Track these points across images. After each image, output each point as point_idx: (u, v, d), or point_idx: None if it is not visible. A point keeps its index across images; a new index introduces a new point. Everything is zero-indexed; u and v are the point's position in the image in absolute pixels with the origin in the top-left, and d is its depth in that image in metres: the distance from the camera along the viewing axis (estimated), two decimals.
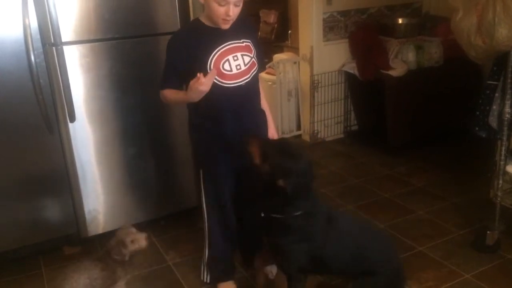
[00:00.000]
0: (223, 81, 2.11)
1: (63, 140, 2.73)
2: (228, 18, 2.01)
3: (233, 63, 2.11)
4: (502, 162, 2.61)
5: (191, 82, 1.99)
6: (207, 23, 2.11)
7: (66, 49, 2.57)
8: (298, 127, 4.71)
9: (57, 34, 2.50)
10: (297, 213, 1.98)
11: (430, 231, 2.97)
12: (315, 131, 4.55)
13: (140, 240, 2.19)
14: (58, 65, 2.56)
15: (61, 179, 2.79)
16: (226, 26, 2.06)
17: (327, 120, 4.58)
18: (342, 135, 4.67)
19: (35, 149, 2.69)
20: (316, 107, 4.49)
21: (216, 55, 2.08)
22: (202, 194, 2.37)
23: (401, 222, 3.09)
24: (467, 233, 2.91)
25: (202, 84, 1.95)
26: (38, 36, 2.55)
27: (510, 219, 2.80)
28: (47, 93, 2.63)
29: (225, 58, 2.09)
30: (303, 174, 1.95)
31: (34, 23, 2.52)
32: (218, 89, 2.09)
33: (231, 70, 2.11)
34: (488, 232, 2.69)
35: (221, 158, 2.23)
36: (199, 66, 2.06)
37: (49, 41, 2.53)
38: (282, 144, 2.07)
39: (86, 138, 2.76)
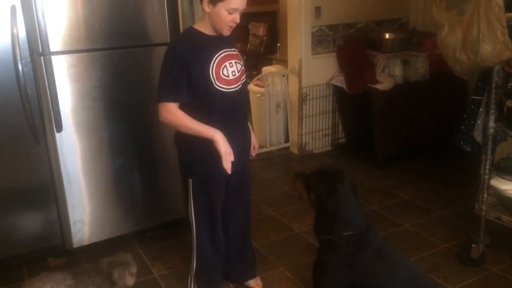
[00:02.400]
0: (222, 86, 2.14)
1: (49, 150, 2.71)
2: (233, 25, 2.10)
3: (230, 69, 2.17)
4: (486, 176, 2.65)
5: (229, 151, 2.11)
6: (204, 31, 2.14)
7: (54, 59, 2.56)
8: (286, 139, 4.73)
9: (45, 44, 2.50)
10: (346, 233, 1.99)
11: (416, 243, 2.99)
12: (303, 144, 4.58)
13: (130, 279, 2.16)
14: (46, 74, 2.55)
15: (47, 189, 2.77)
16: (228, 33, 2.13)
17: (315, 132, 4.61)
18: (329, 148, 4.70)
19: (21, 158, 2.67)
20: (304, 120, 4.52)
21: (216, 62, 2.13)
22: (191, 204, 2.35)
23: (388, 235, 3.10)
24: (453, 246, 2.93)
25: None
26: (26, 45, 2.55)
27: (494, 232, 2.83)
28: (34, 103, 2.62)
29: (223, 65, 2.15)
30: (346, 194, 2.01)
31: (22, 32, 2.52)
32: (217, 94, 2.13)
33: (228, 76, 2.16)
34: (473, 245, 2.71)
35: (213, 167, 2.21)
36: (201, 73, 2.10)
37: (37, 50, 2.52)
38: (320, 172, 2.13)
39: (73, 148, 2.74)
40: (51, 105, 2.60)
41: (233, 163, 2.15)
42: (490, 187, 2.65)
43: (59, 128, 2.65)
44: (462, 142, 2.79)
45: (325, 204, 2.00)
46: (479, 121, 2.71)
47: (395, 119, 4.12)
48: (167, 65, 2.13)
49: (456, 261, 2.77)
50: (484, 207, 2.68)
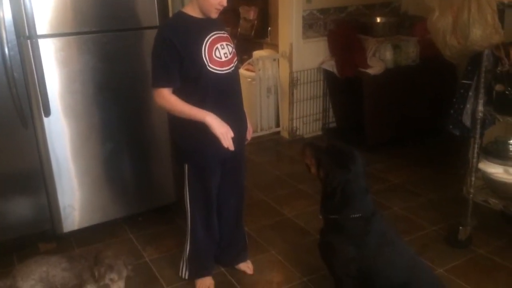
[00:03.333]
0: (216, 67, 2.13)
1: (38, 135, 2.69)
2: (220, 8, 2.09)
3: (221, 51, 2.15)
4: (474, 160, 2.68)
5: (226, 130, 2.08)
6: (193, 14, 2.13)
7: (41, 42, 2.52)
8: (277, 124, 4.73)
9: (32, 27, 2.45)
10: (355, 215, 1.97)
11: (405, 226, 3.02)
12: (294, 128, 4.58)
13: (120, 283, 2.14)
14: (33, 58, 2.51)
15: (36, 174, 2.75)
16: (216, 15, 2.13)
17: (306, 117, 4.61)
18: (320, 132, 4.71)
19: (9, 144, 2.64)
20: (295, 104, 4.51)
21: (208, 43, 2.12)
22: (186, 188, 2.35)
23: None
24: (441, 228, 2.97)
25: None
26: (12, 29, 2.50)
27: (482, 215, 2.87)
28: (21, 87, 2.58)
29: (215, 46, 2.13)
30: (358, 176, 1.97)
31: (8, 15, 2.47)
32: (211, 75, 2.12)
33: (220, 58, 2.14)
34: (460, 227, 2.75)
35: (208, 151, 2.21)
36: (194, 55, 2.08)
37: (23, 33, 2.48)
38: (333, 148, 2.07)
39: (62, 133, 2.72)
40: (39, 89, 2.57)
41: (232, 141, 2.13)
42: (478, 170, 2.68)
43: (47, 112, 2.62)
44: (451, 126, 2.81)
45: (336, 183, 1.95)
46: (468, 105, 2.73)
47: (386, 104, 4.13)
48: (157, 50, 2.11)
49: (443, 243, 2.81)
50: (472, 190, 2.71)
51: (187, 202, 2.38)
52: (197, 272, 2.50)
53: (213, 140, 2.10)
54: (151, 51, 2.14)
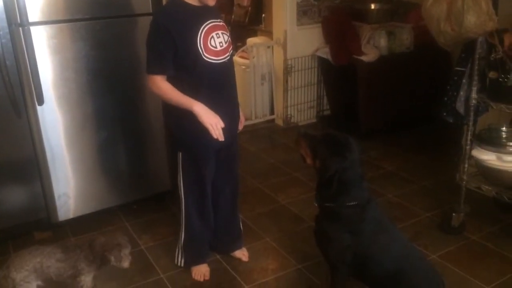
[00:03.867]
0: (211, 57, 2.11)
1: (31, 123, 2.67)
2: None
3: (217, 40, 2.13)
4: (467, 147, 2.69)
5: (215, 121, 2.08)
6: (189, 1, 2.10)
7: (33, 29, 2.49)
8: (272, 112, 4.73)
9: (23, 14, 2.42)
10: (350, 203, 1.97)
11: (399, 213, 3.05)
12: (288, 116, 4.58)
13: (126, 260, 2.12)
14: (25, 46, 2.48)
15: (30, 163, 2.74)
16: (212, 3, 2.11)
17: (300, 104, 4.61)
18: (315, 120, 4.72)
19: (2, 133, 2.62)
20: (289, 92, 4.51)
21: (203, 32, 2.09)
22: (180, 177, 2.35)
23: None
24: (435, 215, 3.00)
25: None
26: (4, 16, 2.47)
27: (475, 201, 2.90)
28: (13, 75, 2.56)
29: (211, 35, 2.11)
30: (354, 164, 1.97)
31: None
32: (205, 65, 2.10)
33: (216, 47, 2.12)
34: (453, 214, 2.78)
35: (203, 140, 2.19)
36: (189, 44, 2.07)
37: (15, 21, 2.45)
38: (328, 137, 2.05)
39: (55, 122, 2.70)
40: (31, 77, 2.54)
41: (224, 134, 2.12)
42: (471, 157, 2.70)
43: (41, 101, 2.60)
44: (444, 113, 2.82)
45: (332, 172, 1.93)
46: (462, 93, 2.74)
47: (380, 91, 4.13)
48: (152, 37, 2.10)
49: (437, 230, 2.84)
50: (465, 177, 2.74)
51: (181, 190, 2.38)
52: (193, 259, 2.52)
53: (206, 129, 2.10)
54: (146, 37, 2.12)
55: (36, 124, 2.66)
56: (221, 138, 2.11)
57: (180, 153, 2.32)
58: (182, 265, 2.53)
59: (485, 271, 2.46)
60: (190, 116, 2.12)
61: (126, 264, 2.10)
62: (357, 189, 1.98)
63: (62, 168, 2.78)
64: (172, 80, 2.13)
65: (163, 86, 2.11)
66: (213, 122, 2.09)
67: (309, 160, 2.05)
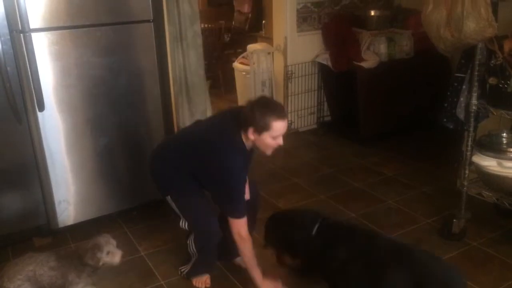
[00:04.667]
0: None
1: (31, 129, 2.67)
2: (277, 148, 2.20)
3: None
4: (468, 153, 2.69)
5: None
6: (247, 146, 2.23)
7: (35, 36, 2.50)
8: None
9: (25, 21, 2.43)
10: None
11: (399, 219, 3.05)
12: (289, 122, 4.57)
13: (115, 255, 2.11)
14: (26, 52, 2.49)
15: (30, 169, 2.74)
16: (270, 153, 2.24)
17: (301, 110, 4.61)
18: (315, 126, 4.72)
19: (2, 139, 2.62)
20: (289, 98, 4.51)
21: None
22: (182, 217, 2.38)
23: (372, 211, 3.16)
24: (435, 221, 3.00)
25: None
26: (5, 23, 2.48)
27: (475, 207, 2.90)
28: (14, 82, 2.57)
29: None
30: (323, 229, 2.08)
31: (1, 9, 2.45)
32: None
33: None
34: (454, 220, 2.77)
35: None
36: None
37: (16, 27, 2.46)
38: (285, 231, 2.17)
39: (56, 128, 2.70)
40: (32, 83, 2.55)
41: None
42: (471, 163, 2.70)
43: (41, 107, 2.61)
44: (445, 119, 2.82)
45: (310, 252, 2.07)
46: (462, 99, 2.74)
47: (380, 97, 4.14)
48: (236, 179, 2.19)
49: (437, 236, 2.84)
50: (465, 183, 2.73)
51: (188, 226, 2.39)
52: (198, 274, 2.51)
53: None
54: (225, 178, 2.18)
55: (37, 130, 2.66)
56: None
57: (169, 196, 2.35)
58: (185, 276, 2.53)
59: (486, 277, 2.46)
60: (173, 169, 2.28)
61: (115, 259, 2.10)
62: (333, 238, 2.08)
63: (62, 174, 2.78)
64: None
65: (249, 244, 2.28)
66: None
67: (285, 261, 2.21)
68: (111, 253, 2.10)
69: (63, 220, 2.85)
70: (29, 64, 2.51)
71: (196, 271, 2.49)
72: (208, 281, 2.48)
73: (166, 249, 2.78)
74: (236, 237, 2.28)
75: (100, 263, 2.08)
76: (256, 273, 2.32)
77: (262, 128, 2.11)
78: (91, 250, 2.06)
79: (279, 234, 2.19)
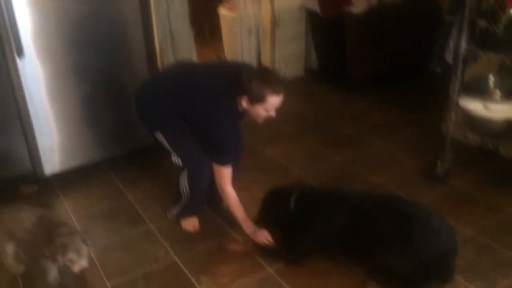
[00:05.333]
0: None
1: (12, 77, 2.60)
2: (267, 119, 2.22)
3: None
4: (455, 96, 2.69)
5: (264, 236, 2.31)
6: (240, 108, 2.21)
7: None
8: (259, 65, 4.66)
9: None
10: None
11: (385, 163, 3.08)
12: (276, 70, 4.52)
13: (75, 264, 1.93)
14: None
15: (13, 117, 2.68)
16: (261, 122, 2.26)
17: (288, 58, 4.54)
18: (302, 74, 4.67)
19: None
20: (277, 45, 4.43)
21: None
22: (172, 153, 2.35)
23: (359, 156, 3.18)
24: (420, 164, 3.03)
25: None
26: None
27: (460, 150, 2.93)
28: None
29: None
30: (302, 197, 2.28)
31: None
32: None
33: None
34: (439, 163, 2.81)
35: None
36: None
37: None
38: (270, 206, 2.37)
39: (36, 75, 2.64)
40: (10, 29, 2.46)
41: None
42: (458, 107, 2.70)
43: (20, 53, 2.54)
44: (433, 63, 2.81)
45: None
46: (451, 42, 2.72)
47: (369, 43, 4.07)
48: (227, 130, 2.19)
49: (422, 179, 2.88)
50: (451, 126, 2.75)
51: (179, 162, 2.37)
52: (187, 215, 2.53)
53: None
54: (216, 127, 2.17)
55: (17, 77, 2.59)
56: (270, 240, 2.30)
57: (159, 132, 2.32)
58: (174, 219, 2.55)
59: (468, 216, 2.52)
60: (160, 103, 2.25)
61: (74, 268, 1.93)
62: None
63: (46, 122, 2.74)
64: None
65: (232, 194, 2.34)
66: (262, 239, 2.30)
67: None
68: (72, 261, 1.91)
69: (49, 168, 2.84)
70: (6, 9, 2.42)
71: (185, 213, 2.51)
72: (197, 224, 2.51)
73: (154, 194, 2.80)
74: (219, 189, 2.33)
75: (57, 265, 1.97)
76: (243, 222, 2.36)
77: (256, 99, 2.11)
78: (54, 246, 1.90)
79: (266, 211, 2.37)
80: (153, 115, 2.32)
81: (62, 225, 2.01)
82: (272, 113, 2.19)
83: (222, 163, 2.24)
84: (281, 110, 2.18)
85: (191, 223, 2.51)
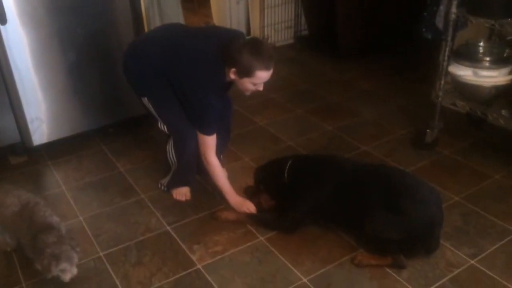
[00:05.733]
0: None
1: None
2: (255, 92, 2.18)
3: None
4: (445, 63, 2.69)
5: (248, 207, 2.33)
6: (228, 78, 2.15)
7: None
8: (248, 32, 4.58)
9: None
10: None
11: (375, 131, 3.10)
12: (265, 36, 4.45)
13: (67, 274, 1.88)
14: None
15: None
16: (248, 94, 2.22)
17: (277, 24, 4.48)
18: (292, 40, 4.62)
19: None
20: (266, 11, 4.35)
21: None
22: (158, 118, 2.33)
23: (348, 124, 3.19)
24: (409, 132, 3.06)
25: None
26: None
27: (449, 118, 2.96)
28: None
29: None
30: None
31: None
32: None
33: None
34: (427, 130, 2.84)
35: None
36: None
37: None
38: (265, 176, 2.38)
39: (21, 42, 2.57)
40: None
41: None
42: (447, 74, 2.70)
43: (3, 20, 2.46)
44: (424, 29, 2.78)
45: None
46: (441, 7, 2.68)
47: (359, 9, 4.01)
48: (209, 98, 2.14)
49: (411, 146, 2.91)
50: (440, 94, 2.76)
51: (165, 129, 2.35)
52: (178, 185, 2.53)
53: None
54: (199, 94, 2.14)
55: (1, 45, 2.52)
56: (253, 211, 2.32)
57: (145, 98, 2.28)
58: (166, 189, 2.55)
59: (456, 183, 2.56)
60: (147, 67, 2.22)
61: (66, 277, 1.88)
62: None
63: (32, 91, 2.69)
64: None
65: (217, 166, 2.33)
66: (246, 209, 2.32)
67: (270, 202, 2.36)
68: (65, 271, 1.87)
69: (37, 138, 2.80)
70: None
71: (175, 182, 2.51)
72: (188, 194, 2.52)
73: (145, 165, 2.79)
74: (203, 159, 2.31)
75: (49, 275, 1.86)
76: (227, 194, 2.37)
77: (244, 73, 2.06)
78: (45, 258, 1.82)
79: (261, 181, 2.38)
80: (140, 77, 2.27)
81: (48, 228, 1.88)
82: (260, 87, 2.15)
83: (205, 132, 2.22)
84: (270, 78, 2.16)
85: (182, 193, 2.51)
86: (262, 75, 2.07)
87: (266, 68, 2.06)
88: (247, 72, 2.05)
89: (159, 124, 2.37)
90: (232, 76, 2.10)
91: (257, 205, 2.36)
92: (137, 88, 2.33)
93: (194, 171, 2.52)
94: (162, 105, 2.29)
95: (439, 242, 2.08)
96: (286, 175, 2.27)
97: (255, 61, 2.03)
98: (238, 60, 2.03)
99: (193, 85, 2.14)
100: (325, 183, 2.17)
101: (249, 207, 2.34)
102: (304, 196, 2.20)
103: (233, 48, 2.04)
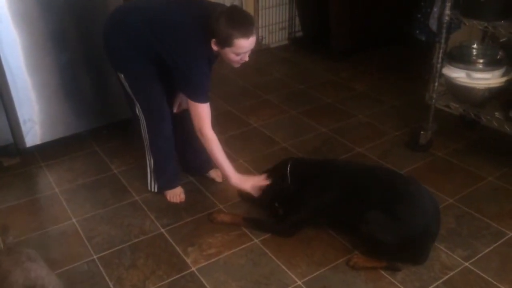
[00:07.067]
0: None
1: None
2: (242, 63, 2.14)
3: None
4: (438, 65, 2.70)
5: (252, 184, 2.30)
6: (215, 52, 2.11)
7: None
8: None
9: None
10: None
11: (369, 133, 3.11)
12: (260, 37, 4.45)
13: None
14: None
15: None
16: (237, 66, 2.19)
17: (272, 25, 4.48)
18: (286, 42, 4.62)
19: None
20: (260, 12, 4.35)
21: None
22: (134, 100, 2.29)
23: (342, 126, 3.20)
24: (403, 133, 3.07)
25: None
26: None
27: (442, 120, 2.97)
28: None
29: None
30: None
31: None
32: None
33: None
34: (421, 132, 2.85)
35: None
36: None
37: None
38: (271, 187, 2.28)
39: (13, 42, 2.55)
40: None
41: None
42: (441, 75, 2.71)
43: None
44: (417, 31, 2.80)
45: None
46: (435, 9, 2.70)
47: (352, 10, 4.02)
48: (201, 66, 2.11)
49: (405, 148, 2.92)
50: (434, 95, 2.77)
51: (139, 111, 2.31)
52: (166, 184, 2.51)
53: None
54: (193, 62, 2.10)
55: None
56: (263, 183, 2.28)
57: (122, 75, 2.23)
58: (156, 190, 2.53)
59: (450, 185, 2.57)
60: (128, 42, 2.15)
61: None
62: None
63: (25, 92, 2.67)
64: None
65: (215, 142, 2.24)
66: (251, 187, 2.29)
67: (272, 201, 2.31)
68: None
69: (30, 139, 2.78)
70: None
71: (159, 178, 2.48)
72: (182, 195, 2.51)
73: (139, 166, 2.77)
74: (199, 134, 2.23)
75: None
76: (227, 170, 2.29)
77: (224, 43, 2.01)
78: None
79: (267, 191, 2.30)
80: (120, 50, 2.20)
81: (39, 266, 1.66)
82: (245, 58, 2.09)
83: (199, 99, 2.14)
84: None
85: (176, 194, 2.50)
86: (242, 44, 2.01)
87: (244, 36, 1.99)
88: (226, 42, 2.00)
89: (136, 110, 2.32)
90: (215, 47, 2.05)
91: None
92: (116, 61, 2.26)
93: (172, 159, 2.48)
94: (139, 83, 2.24)
95: (427, 256, 2.07)
96: (289, 178, 2.23)
97: (232, 30, 1.97)
98: (216, 30, 1.99)
99: (184, 54, 2.08)
100: (327, 188, 2.16)
101: (254, 183, 2.29)
102: (307, 200, 2.18)
103: (212, 19, 2.00)
